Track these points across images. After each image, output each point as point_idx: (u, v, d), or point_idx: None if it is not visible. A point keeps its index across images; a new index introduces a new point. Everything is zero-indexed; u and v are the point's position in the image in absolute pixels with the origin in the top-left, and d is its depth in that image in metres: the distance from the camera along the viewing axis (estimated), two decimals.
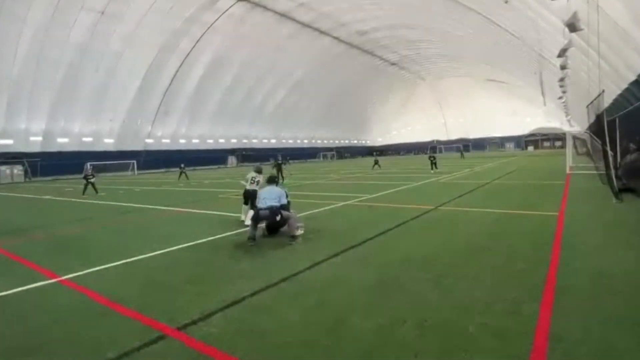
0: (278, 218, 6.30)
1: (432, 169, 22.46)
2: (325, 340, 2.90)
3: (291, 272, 4.56)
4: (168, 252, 5.92)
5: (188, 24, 42.26)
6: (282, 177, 19.32)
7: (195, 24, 42.75)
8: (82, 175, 18.83)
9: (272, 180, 7.07)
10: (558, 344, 2.67)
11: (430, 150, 31.03)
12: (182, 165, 28.05)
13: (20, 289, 4.43)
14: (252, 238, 6.12)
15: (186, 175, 27.16)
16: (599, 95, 10.55)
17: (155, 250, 5.97)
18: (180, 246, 6.22)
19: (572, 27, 10.03)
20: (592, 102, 12.12)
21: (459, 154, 51.64)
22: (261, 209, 6.35)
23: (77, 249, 6.49)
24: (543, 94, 30.09)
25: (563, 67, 15.95)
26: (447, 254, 5.12)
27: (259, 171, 8.47)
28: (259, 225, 6.54)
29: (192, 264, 5.18)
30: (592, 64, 12.98)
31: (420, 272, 4.37)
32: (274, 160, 19.79)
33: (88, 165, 19.93)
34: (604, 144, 10.15)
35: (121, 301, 3.87)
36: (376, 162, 29.35)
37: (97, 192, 17.25)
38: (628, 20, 10.82)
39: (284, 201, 6.55)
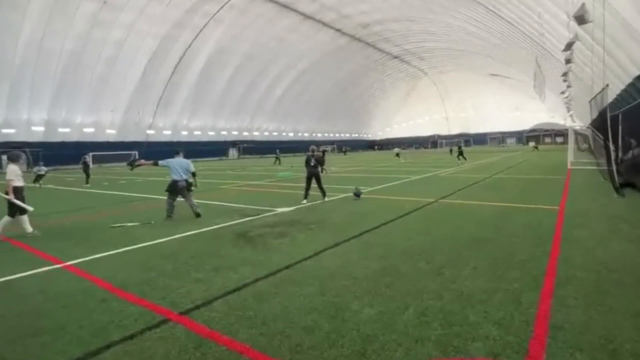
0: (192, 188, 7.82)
1: (458, 159, 25.35)
2: (327, 326, 2.92)
3: (293, 261, 4.59)
4: (171, 240, 5.95)
5: (190, 14, 41.94)
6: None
7: (197, 14, 42.43)
8: (82, 164, 19.54)
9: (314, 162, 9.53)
10: (558, 332, 2.70)
11: (455, 145, 30.78)
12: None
13: (24, 273, 4.47)
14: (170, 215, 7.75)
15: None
16: (602, 89, 10.47)
17: (158, 238, 6.01)
18: (183, 234, 6.26)
19: (581, 19, 9.85)
20: (594, 97, 12.04)
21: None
22: (178, 181, 7.69)
23: (81, 236, 6.52)
24: (537, 88, 29.88)
25: (568, 61, 15.79)
26: (449, 245, 5.14)
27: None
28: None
29: (195, 252, 5.20)
30: (597, 58, 12.85)
31: (421, 262, 4.40)
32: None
33: (90, 155, 20.18)
34: (606, 139, 10.10)
35: (124, 287, 3.91)
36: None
37: (87, 182, 17.75)
38: (634, 14, 10.70)
39: (192, 169, 7.96)
